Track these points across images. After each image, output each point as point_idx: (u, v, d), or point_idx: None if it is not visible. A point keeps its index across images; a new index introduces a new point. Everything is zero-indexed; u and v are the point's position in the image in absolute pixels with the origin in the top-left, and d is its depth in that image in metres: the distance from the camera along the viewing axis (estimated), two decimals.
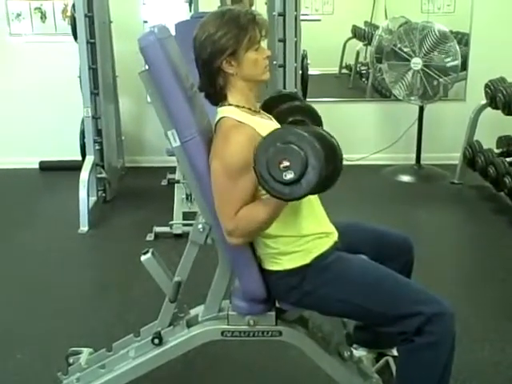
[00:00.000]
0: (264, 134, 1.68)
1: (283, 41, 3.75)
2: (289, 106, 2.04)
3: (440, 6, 4.90)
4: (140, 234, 3.59)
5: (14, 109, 4.92)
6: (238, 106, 1.75)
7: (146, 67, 1.73)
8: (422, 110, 4.59)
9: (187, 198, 3.72)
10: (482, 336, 2.54)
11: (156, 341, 1.92)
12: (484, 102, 4.28)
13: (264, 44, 1.79)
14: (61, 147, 4.82)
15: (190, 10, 4.78)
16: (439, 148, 4.86)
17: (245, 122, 1.70)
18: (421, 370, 1.70)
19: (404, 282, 1.78)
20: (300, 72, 4.02)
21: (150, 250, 1.93)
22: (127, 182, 4.59)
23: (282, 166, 1.52)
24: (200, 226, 1.83)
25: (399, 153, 4.87)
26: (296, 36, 3.80)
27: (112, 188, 4.26)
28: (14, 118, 4.93)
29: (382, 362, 2.13)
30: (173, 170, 4.15)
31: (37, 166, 4.92)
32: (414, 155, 4.73)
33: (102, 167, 4.13)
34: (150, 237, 3.57)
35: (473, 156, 4.30)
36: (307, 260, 1.75)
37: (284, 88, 3.85)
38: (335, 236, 1.85)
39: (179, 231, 3.55)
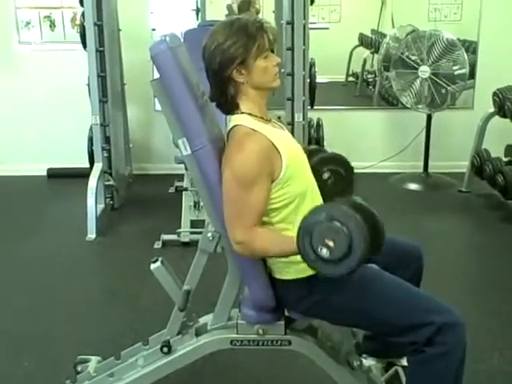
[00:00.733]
0: (277, 143, 1.69)
1: (291, 49, 3.77)
2: (321, 158, 2.07)
3: (447, 14, 4.91)
4: (148, 241, 3.60)
5: (22, 116, 4.94)
6: (250, 114, 1.75)
7: (157, 75, 1.74)
8: (429, 118, 4.59)
9: (195, 206, 3.72)
10: (491, 345, 2.52)
11: (165, 349, 1.91)
12: (492, 110, 4.27)
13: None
14: (69, 154, 4.84)
15: (198, 19, 4.81)
16: (447, 156, 4.85)
17: (258, 131, 1.70)
18: (431, 380, 1.68)
19: (414, 291, 1.77)
20: (308, 80, 4.03)
21: (160, 259, 1.93)
22: (135, 190, 4.60)
23: (325, 243, 1.54)
24: (209, 234, 1.83)
25: (407, 161, 4.86)
26: (304, 44, 3.81)
27: (120, 195, 4.26)
28: (22, 126, 4.96)
29: (391, 371, 2.12)
30: (181, 177, 4.16)
31: (45, 174, 4.94)
32: (421, 163, 4.72)
33: (110, 174, 4.14)
34: (158, 245, 3.57)
35: (481, 164, 4.29)
36: None
37: (292, 96, 3.86)
38: None
39: (187, 239, 3.55)
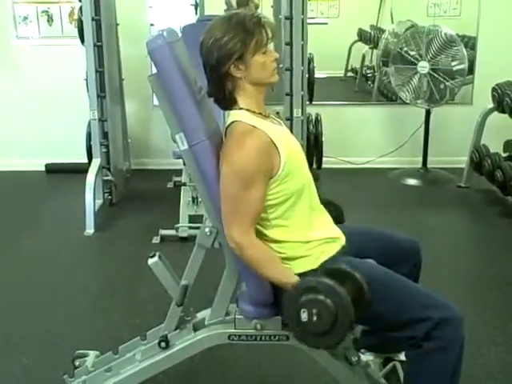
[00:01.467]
0: (276, 139, 1.69)
1: (290, 44, 3.76)
2: None
3: (446, 9, 4.90)
4: (146, 236, 3.60)
5: (19, 111, 4.93)
6: (248, 110, 1.74)
7: (155, 70, 1.73)
8: (428, 113, 4.59)
9: (193, 201, 3.71)
10: (489, 339, 2.52)
11: (163, 344, 1.91)
12: (491, 105, 4.27)
13: (271, 47, 1.78)
14: (67, 150, 4.83)
15: (196, 13, 4.80)
16: (446, 152, 4.85)
17: (258, 127, 1.70)
18: (429, 375, 1.68)
19: (412, 286, 1.77)
20: (306, 75, 4.03)
21: (157, 254, 1.93)
22: (133, 185, 4.60)
23: (310, 314, 1.59)
24: (207, 229, 1.83)
25: (405, 156, 4.86)
26: (303, 39, 3.81)
27: (118, 191, 4.26)
28: (20, 121, 4.95)
29: (389, 366, 2.12)
30: (179, 172, 4.15)
31: (43, 169, 4.94)
32: (420, 159, 4.72)
33: (108, 170, 4.14)
34: (156, 240, 3.57)
35: (480, 160, 4.29)
36: (315, 265, 1.75)
37: (290, 91, 3.85)
38: (343, 240, 1.84)
39: (185, 234, 3.55)
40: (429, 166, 4.72)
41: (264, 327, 1.85)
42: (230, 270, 1.88)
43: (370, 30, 5.19)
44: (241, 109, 1.75)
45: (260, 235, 1.76)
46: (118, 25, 4.36)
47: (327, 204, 1.94)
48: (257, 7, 4.62)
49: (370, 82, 5.33)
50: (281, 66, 3.73)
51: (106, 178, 4.11)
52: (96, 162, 4.01)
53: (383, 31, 4.99)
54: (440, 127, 4.76)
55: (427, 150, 4.68)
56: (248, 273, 1.82)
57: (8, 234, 3.77)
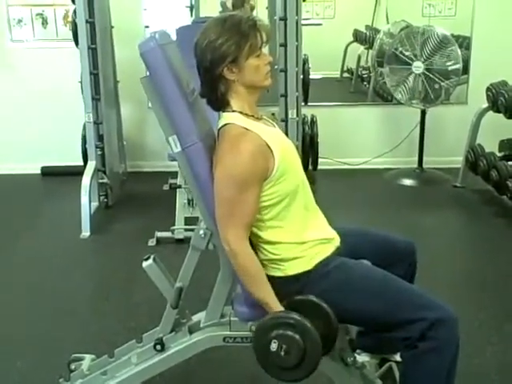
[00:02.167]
0: (269, 141, 1.69)
1: (284, 45, 3.76)
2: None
3: (441, 9, 4.91)
4: (142, 239, 3.59)
5: (15, 114, 4.93)
6: (241, 113, 1.74)
7: (147, 73, 1.73)
8: (423, 113, 4.59)
9: (189, 203, 3.71)
10: (485, 340, 2.53)
11: (158, 347, 1.91)
12: (486, 105, 4.28)
13: (265, 49, 1.78)
14: (62, 153, 4.83)
15: (192, 15, 4.80)
16: (441, 152, 4.85)
17: (251, 129, 1.70)
18: (425, 375, 1.69)
19: (407, 287, 1.77)
20: (301, 76, 4.03)
21: (152, 256, 1.92)
22: (129, 187, 4.59)
23: (280, 349, 1.65)
24: (201, 231, 1.82)
25: (401, 157, 4.87)
26: (297, 40, 3.81)
27: (114, 193, 4.25)
28: (15, 124, 4.94)
29: (385, 367, 2.12)
30: (174, 174, 4.15)
31: (39, 172, 4.94)
32: (415, 159, 4.73)
33: (104, 172, 4.13)
34: (152, 242, 3.57)
35: (475, 160, 4.30)
36: (309, 266, 1.75)
37: (285, 92, 3.85)
38: (337, 241, 1.84)
39: (181, 236, 3.55)
40: (424, 166, 4.72)
41: None
42: (224, 272, 1.88)
43: (365, 31, 5.20)
44: (233, 111, 1.74)
45: (254, 236, 1.76)
46: (112, 27, 4.36)
47: None
48: (252, 9, 4.62)
49: (365, 83, 5.34)
50: (275, 67, 3.74)
51: (101, 180, 4.10)
52: (91, 165, 4.00)
53: (379, 32, 5.00)
54: (435, 127, 4.77)
55: (423, 150, 4.69)
56: None
57: (4, 236, 3.76)
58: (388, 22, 5.05)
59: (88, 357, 2.13)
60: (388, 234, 2.01)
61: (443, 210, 4.16)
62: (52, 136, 4.89)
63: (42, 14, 4.77)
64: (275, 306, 1.71)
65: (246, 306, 1.85)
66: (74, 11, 3.92)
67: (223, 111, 1.77)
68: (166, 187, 4.48)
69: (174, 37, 2.08)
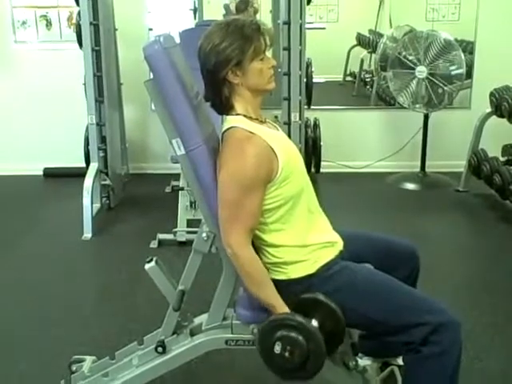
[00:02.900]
0: (273, 144, 1.69)
1: (288, 49, 3.76)
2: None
3: (445, 14, 4.91)
4: (144, 241, 3.59)
5: (18, 116, 4.94)
6: (245, 116, 1.74)
7: (151, 76, 1.73)
8: (426, 117, 4.59)
9: (191, 206, 3.71)
10: (488, 344, 2.52)
11: (159, 349, 1.91)
12: (489, 110, 4.27)
13: (269, 53, 1.79)
14: (65, 154, 4.83)
15: (195, 18, 4.81)
16: (444, 156, 4.85)
17: (255, 133, 1.70)
18: (427, 379, 1.68)
19: (409, 291, 1.77)
20: (304, 80, 4.03)
21: (154, 258, 1.92)
22: (131, 189, 4.59)
23: (284, 350, 1.65)
24: (204, 234, 1.82)
25: (404, 160, 4.86)
26: (301, 44, 3.81)
27: (116, 195, 4.26)
28: (18, 125, 4.95)
29: (387, 371, 2.11)
30: (177, 177, 4.15)
31: (41, 173, 4.94)
32: (418, 163, 4.72)
33: (106, 174, 4.13)
34: (154, 244, 3.56)
35: (478, 164, 4.29)
36: (312, 269, 1.75)
37: (288, 96, 3.85)
38: (340, 245, 1.84)
39: (183, 238, 3.54)
40: (427, 170, 4.72)
41: None
42: (227, 275, 1.87)
43: (368, 35, 5.20)
44: (237, 114, 1.74)
45: (258, 239, 1.76)
46: (116, 29, 4.37)
47: None
48: (256, 12, 4.63)
49: (368, 87, 5.33)
50: (279, 70, 3.74)
51: (103, 182, 4.10)
52: (94, 167, 4.01)
53: (382, 36, 5.00)
54: (438, 131, 4.77)
55: (425, 154, 4.68)
56: None
57: (6, 238, 3.76)
58: (391, 27, 5.05)
59: (89, 358, 2.13)
60: (391, 238, 2.00)
61: (446, 214, 4.15)
62: (54, 137, 4.90)
63: (46, 16, 4.78)
64: (280, 307, 1.70)
65: (249, 309, 1.85)
66: (78, 13, 3.93)
67: (227, 114, 1.77)
68: (168, 189, 4.50)
69: (177, 40, 2.08)
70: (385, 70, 4.73)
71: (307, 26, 4.00)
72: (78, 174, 4.14)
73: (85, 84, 3.97)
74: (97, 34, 3.91)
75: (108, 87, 4.07)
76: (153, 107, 4.47)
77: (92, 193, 3.85)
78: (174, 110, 1.71)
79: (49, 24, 4.79)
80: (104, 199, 4.15)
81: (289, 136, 3.73)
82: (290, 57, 3.78)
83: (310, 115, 4.49)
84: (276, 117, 4.05)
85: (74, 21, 4.51)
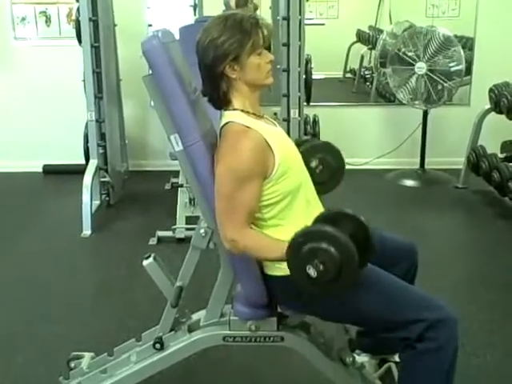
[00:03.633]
0: (270, 140, 1.69)
1: (287, 45, 3.75)
2: (310, 145, 2.06)
3: (445, 10, 4.90)
4: (143, 238, 3.59)
5: (18, 112, 4.93)
6: (243, 111, 1.74)
7: (150, 71, 1.73)
8: (426, 114, 4.59)
9: (190, 202, 3.71)
10: (485, 341, 2.52)
11: (157, 345, 1.91)
12: (488, 106, 4.27)
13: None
14: (64, 151, 4.83)
15: (195, 14, 4.80)
16: (443, 152, 4.85)
17: (252, 127, 1.70)
18: (423, 376, 1.68)
19: (406, 287, 1.77)
20: (304, 76, 4.02)
21: (152, 255, 1.93)
22: (131, 186, 4.59)
23: (315, 264, 1.55)
24: (202, 230, 1.83)
25: (403, 157, 4.86)
26: (300, 40, 3.80)
27: (115, 192, 4.25)
28: (17, 122, 4.95)
29: (384, 367, 2.12)
30: (176, 173, 4.15)
31: (40, 170, 4.94)
32: (417, 159, 4.72)
33: (106, 171, 4.13)
34: (153, 241, 3.56)
35: (477, 161, 4.29)
36: None
37: (287, 92, 3.85)
38: None
39: (182, 235, 3.54)
40: (426, 166, 4.72)
41: (259, 328, 1.86)
42: (224, 271, 1.88)
43: (368, 31, 5.20)
44: (235, 109, 1.74)
45: None
46: (115, 25, 4.35)
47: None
48: (256, 8, 4.61)
49: (368, 83, 5.33)
50: (278, 66, 3.73)
51: (103, 179, 4.10)
52: (93, 164, 4.00)
53: (382, 32, 4.99)
54: (437, 128, 4.77)
55: (425, 151, 4.68)
56: (243, 274, 1.83)
57: (5, 235, 3.76)
58: (391, 23, 5.04)
59: (88, 355, 2.14)
60: (389, 235, 2.01)
61: (444, 210, 4.15)
62: (54, 134, 4.90)
63: (45, 12, 4.77)
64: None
65: (246, 306, 1.85)
66: (78, 9, 3.92)
67: (225, 110, 1.77)
68: (167, 186, 4.50)
69: (177, 36, 2.08)
70: (384, 66, 4.72)
71: (306, 21, 3.98)
72: (78, 171, 4.14)
73: (84, 80, 3.96)
74: (96, 30, 3.91)
75: (107, 84, 4.06)
76: (152, 103, 4.50)
77: (91, 190, 3.85)
78: (172, 106, 1.71)
79: (48, 20, 4.79)
80: (103, 196, 4.15)
81: (288, 133, 3.73)
82: (289, 53, 3.77)
83: (309, 112, 4.48)
84: (275, 113, 4.04)
85: (73, 17, 4.50)
